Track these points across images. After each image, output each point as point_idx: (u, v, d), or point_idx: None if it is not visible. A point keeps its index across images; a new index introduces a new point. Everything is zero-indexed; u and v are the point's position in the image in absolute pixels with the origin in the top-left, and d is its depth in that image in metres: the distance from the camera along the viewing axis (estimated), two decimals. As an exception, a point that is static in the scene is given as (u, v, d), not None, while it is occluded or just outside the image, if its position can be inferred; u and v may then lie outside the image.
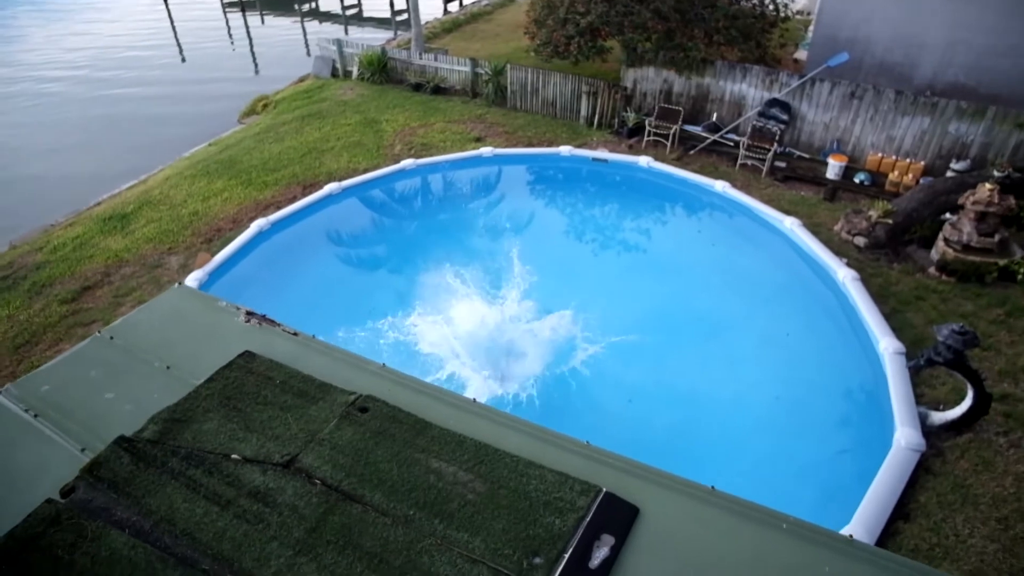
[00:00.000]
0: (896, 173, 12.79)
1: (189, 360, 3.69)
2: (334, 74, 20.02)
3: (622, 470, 3.05)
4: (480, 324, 9.30)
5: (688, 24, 14.41)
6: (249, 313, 4.07)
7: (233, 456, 3.00)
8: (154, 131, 18.83)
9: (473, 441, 3.13)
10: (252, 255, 11.02)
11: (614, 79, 15.98)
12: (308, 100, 18.27)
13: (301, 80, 20.65)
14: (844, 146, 13.73)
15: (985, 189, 9.73)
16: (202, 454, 3.01)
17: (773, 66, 15.07)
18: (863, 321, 9.10)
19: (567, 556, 2.61)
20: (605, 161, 13.97)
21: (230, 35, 30.00)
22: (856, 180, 13.04)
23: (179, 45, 28.44)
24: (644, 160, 13.58)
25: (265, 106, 18.92)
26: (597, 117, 15.76)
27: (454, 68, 18.05)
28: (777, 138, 13.80)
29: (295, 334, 3.93)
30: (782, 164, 13.73)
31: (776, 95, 14.02)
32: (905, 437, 7.13)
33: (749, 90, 14.41)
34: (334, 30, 29.62)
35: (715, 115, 15.05)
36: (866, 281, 9.89)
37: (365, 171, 13.64)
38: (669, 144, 14.59)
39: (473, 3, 28.74)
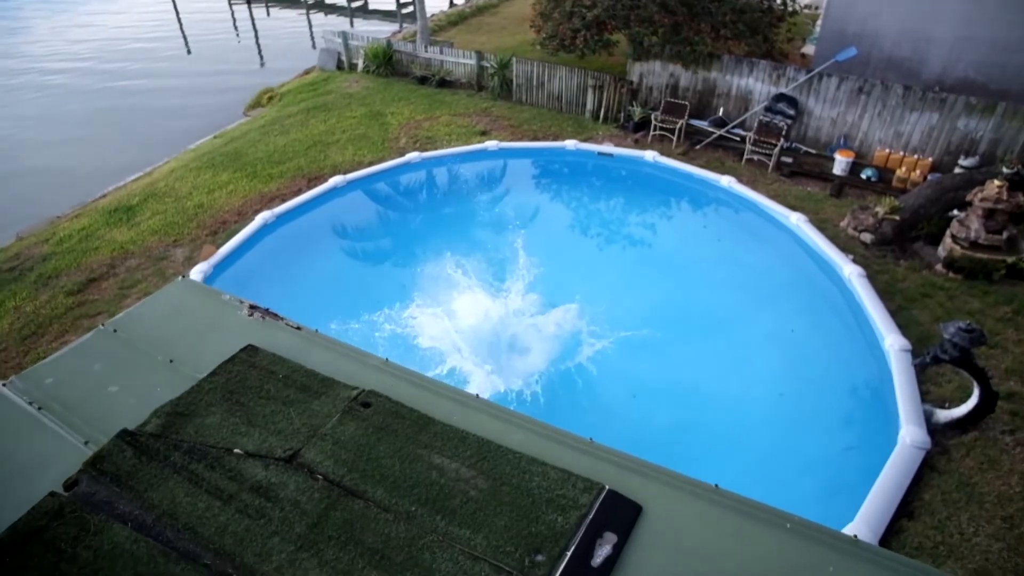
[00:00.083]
0: (904, 169, 12.70)
1: (192, 354, 3.69)
2: (339, 67, 19.98)
3: (625, 467, 3.04)
4: (484, 318, 9.29)
5: (695, 18, 14.32)
6: (252, 307, 4.07)
7: (235, 451, 3.00)
8: (159, 123, 18.84)
9: (476, 437, 3.12)
10: (257, 248, 11.02)
11: (620, 73, 15.90)
12: (313, 93, 18.25)
13: (306, 73, 20.63)
14: (851, 142, 13.64)
15: (994, 186, 9.66)
16: (204, 448, 3.01)
17: (780, 61, 14.99)
18: (869, 318, 9.05)
19: (569, 554, 2.60)
20: (610, 155, 13.92)
21: (235, 27, 29.96)
22: (863, 176, 12.96)
23: (185, 37, 28.42)
24: (650, 154, 13.52)
25: (270, 99, 18.91)
26: (603, 111, 15.69)
27: (459, 61, 17.99)
28: (784, 133, 13.72)
29: (298, 328, 3.92)
30: (788, 159, 13.66)
31: (783, 90, 13.93)
32: (910, 435, 7.09)
33: (756, 85, 14.33)
34: (339, 22, 29.58)
35: (721, 110, 14.98)
36: (872, 278, 9.83)
37: (370, 164, 13.63)
38: (675, 139, 14.53)
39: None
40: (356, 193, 12.90)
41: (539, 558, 2.57)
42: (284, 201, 12.18)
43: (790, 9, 16.13)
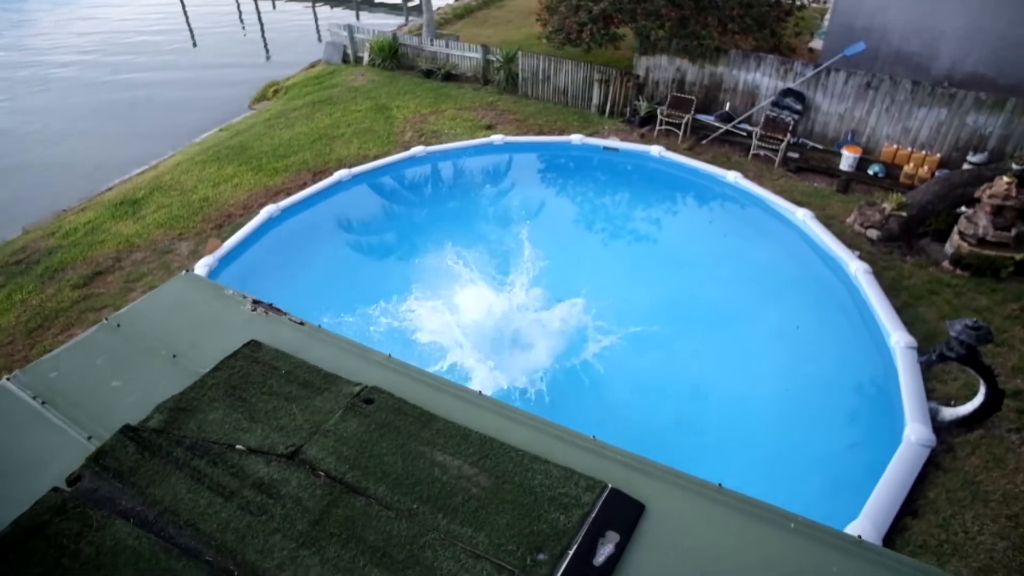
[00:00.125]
0: (911, 165, 12.60)
1: (195, 349, 3.69)
2: (345, 60, 19.95)
3: (628, 466, 3.03)
4: (487, 313, 9.28)
5: (702, 12, 14.23)
6: (255, 302, 4.06)
7: (238, 447, 3.00)
8: (165, 116, 18.86)
9: (478, 434, 3.11)
10: (262, 241, 11.03)
11: (626, 67, 15.83)
12: (319, 86, 18.23)
13: (312, 66, 20.61)
14: (859, 137, 13.55)
15: (1003, 182, 9.58)
16: (207, 444, 3.01)
17: (788, 55, 14.88)
18: (874, 315, 9.01)
19: (571, 553, 2.59)
20: (616, 150, 13.86)
21: (241, 20, 29.95)
22: (870, 172, 12.88)
23: (191, 30, 28.42)
24: (655, 149, 13.46)
25: (276, 92, 18.90)
26: (609, 105, 15.63)
27: (465, 55, 17.93)
28: (791, 128, 13.63)
29: (301, 323, 3.92)
30: (795, 155, 13.57)
31: (790, 85, 13.84)
32: (915, 432, 7.06)
33: (763, 79, 14.24)
34: (345, 15, 29.52)
35: (728, 104, 14.89)
36: (878, 274, 9.78)
37: (375, 158, 13.61)
38: (681, 133, 14.46)
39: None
40: (361, 187, 12.89)
41: (541, 557, 2.57)
42: (289, 195, 12.18)
43: (798, 3, 16.03)
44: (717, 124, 14.58)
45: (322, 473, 2.88)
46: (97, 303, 9.82)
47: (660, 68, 15.36)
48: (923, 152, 12.72)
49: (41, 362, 3.61)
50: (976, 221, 9.82)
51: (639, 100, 15.32)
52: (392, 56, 18.78)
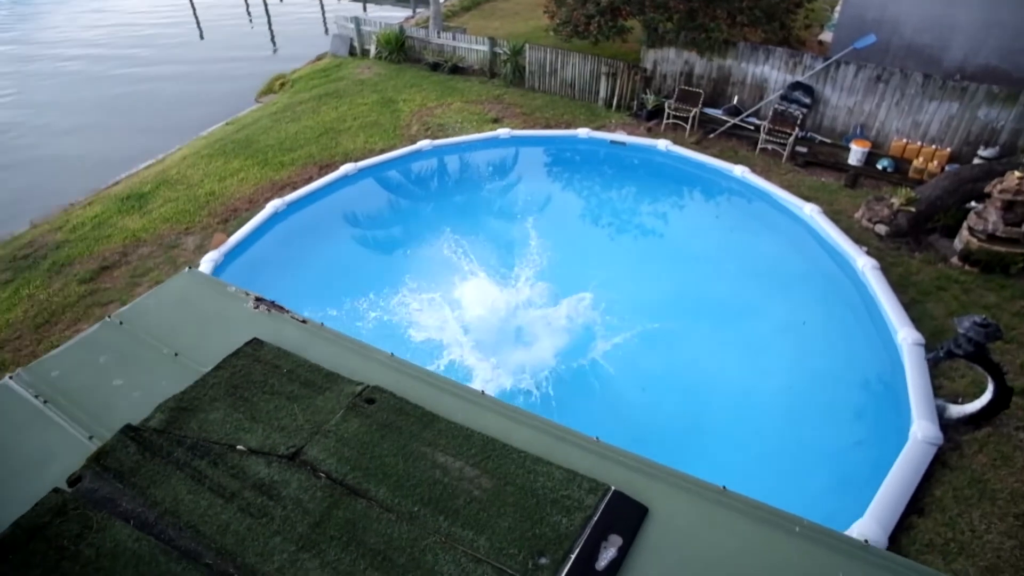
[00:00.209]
0: (921, 160, 12.48)
1: (197, 347, 3.67)
2: (351, 53, 19.91)
3: (632, 468, 3.00)
4: (492, 308, 9.26)
5: (711, 4, 14.11)
6: (258, 299, 4.05)
7: (239, 447, 2.99)
8: (171, 110, 18.87)
9: (480, 435, 3.08)
10: (268, 236, 11.03)
11: (634, 60, 15.72)
12: (325, 79, 18.20)
13: (319, 59, 20.58)
14: (868, 131, 13.43)
15: (1014, 177, 9.47)
16: (208, 444, 2.99)
17: (797, 48, 14.77)
18: (882, 311, 8.94)
19: (573, 557, 2.57)
20: (623, 144, 13.79)
21: (248, 13, 29.91)
22: (879, 166, 12.76)
23: (198, 23, 28.40)
24: (663, 143, 13.38)
25: (282, 85, 18.87)
26: (616, 99, 15.54)
27: (472, 47, 17.86)
28: (799, 122, 13.52)
29: (304, 321, 3.90)
30: (803, 149, 13.47)
31: (799, 78, 13.72)
32: (922, 430, 7.01)
33: (772, 73, 14.12)
34: (352, 8, 29.42)
35: (736, 98, 14.79)
36: (886, 270, 9.70)
37: (381, 152, 13.59)
38: (688, 127, 14.37)
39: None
40: (367, 181, 12.87)
41: (543, 561, 2.54)
42: (295, 189, 12.18)
43: (808, -5, 15.87)
44: (725, 118, 14.48)
45: (323, 474, 2.86)
46: (104, 298, 9.85)
47: (668, 61, 15.25)
48: (933, 146, 12.60)
49: (43, 360, 3.61)
50: (986, 216, 9.72)
51: (646, 93, 15.23)
52: (399, 49, 18.73)
